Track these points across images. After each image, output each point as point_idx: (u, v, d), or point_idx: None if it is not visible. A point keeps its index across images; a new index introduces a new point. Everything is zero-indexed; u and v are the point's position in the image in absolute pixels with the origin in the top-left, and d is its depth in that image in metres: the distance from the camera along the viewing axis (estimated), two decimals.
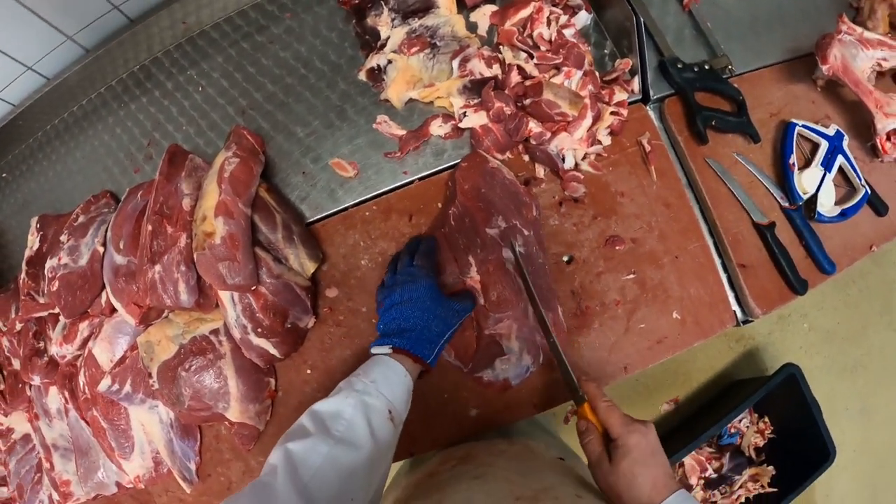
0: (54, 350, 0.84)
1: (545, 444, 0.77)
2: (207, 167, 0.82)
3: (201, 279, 0.75)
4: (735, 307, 0.82)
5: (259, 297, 0.73)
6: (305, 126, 0.87)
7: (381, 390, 0.58)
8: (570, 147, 0.77)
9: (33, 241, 0.90)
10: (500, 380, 0.74)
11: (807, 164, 0.86)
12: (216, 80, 0.92)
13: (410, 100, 0.83)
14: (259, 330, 0.74)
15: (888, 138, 0.86)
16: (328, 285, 0.81)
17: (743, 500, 1.54)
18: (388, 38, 0.83)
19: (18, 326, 0.88)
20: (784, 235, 0.83)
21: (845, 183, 0.87)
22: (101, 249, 0.82)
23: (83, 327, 0.82)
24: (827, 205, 0.84)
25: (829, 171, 0.84)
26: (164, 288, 0.73)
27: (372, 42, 0.86)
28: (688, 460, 1.56)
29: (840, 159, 0.86)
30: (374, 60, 0.83)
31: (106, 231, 0.83)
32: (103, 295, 0.82)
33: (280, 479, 0.48)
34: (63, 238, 0.84)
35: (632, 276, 0.80)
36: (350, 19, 0.89)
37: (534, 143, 0.78)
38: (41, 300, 0.85)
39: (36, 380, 0.86)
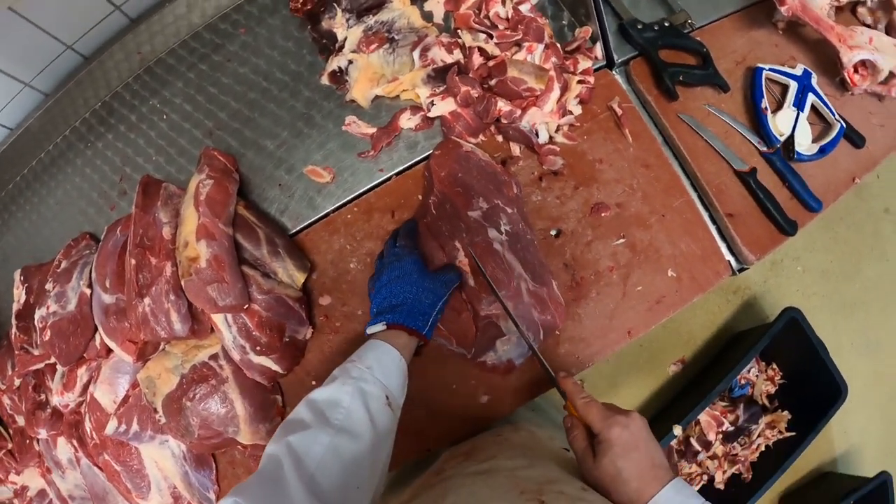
0: (56, 400, 0.83)
1: (549, 434, 0.76)
2: (182, 193, 0.81)
3: (193, 306, 0.74)
4: (728, 257, 0.82)
5: (253, 315, 0.73)
6: (274, 138, 0.86)
7: (376, 376, 0.57)
8: (542, 121, 0.77)
9: (19, 295, 0.89)
10: (504, 361, 0.74)
11: (779, 106, 0.86)
12: (179, 106, 0.91)
13: (376, 97, 0.83)
14: (258, 348, 0.74)
15: (855, 70, 0.87)
16: (320, 294, 0.80)
17: (763, 448, 1.55)
18: (346, 38, 0.82)
19: (17, 382, 0.87)
20: (767, 179, 0.82)
21: (819, 120, 0.88)
22: (87, 291, 0.81)
23: (82, 373, 0.81)
24: (804, 144, 0.84)
25: (802, 111, 0.85)
26: (156, 320, 0.72)
27: (330, 45, 0.85)
28: (703, 417, 1.57)
29: (811, 97, 0.86)
30: (335, 63, 0.82)
31: (90, 272, 0.82)
32: (97, 337, 0.81)
33: (286, 471, 0.47)
34: (48, 286, 0.82)
35: (622, 240, 0.80)
36: (305, 26, 0.89)
37: (505, 122, 0.77)
38: (36, 352, 0.83)
39: (42, 433, 0.84)
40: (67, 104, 0.92)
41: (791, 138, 0.83)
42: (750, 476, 1.52)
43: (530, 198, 0.81)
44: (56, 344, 0.79)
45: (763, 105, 0.84)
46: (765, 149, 0.84)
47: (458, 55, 0.77)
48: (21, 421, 0.89)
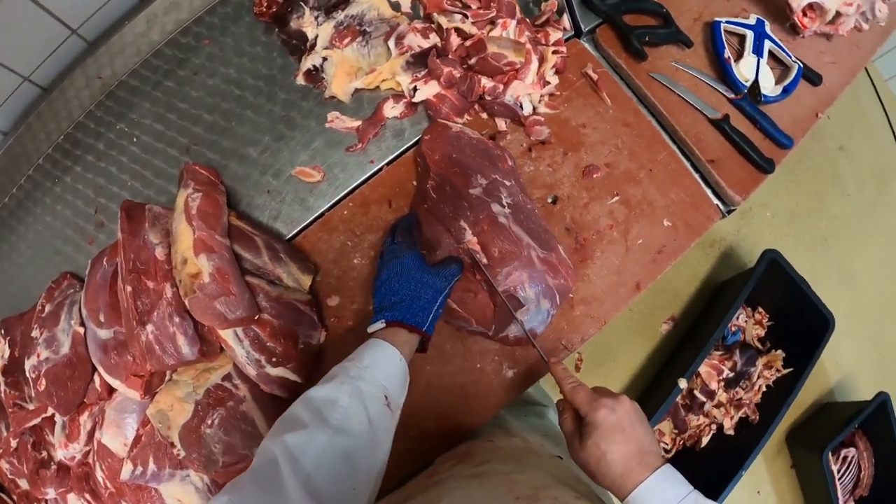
0: (60, 454, 0.78)
1: (540, 441, 0.77)
2: (169, 213, 0.78)
3: (199, 326, 0.71)
4: (716, 201, 0.86)
5: (264, 325, 0.70)
6: (256, 145, 0.84)
7: (375, 375, 0.56)
8: (525, 93, 0.78)
9: (3, 349, 0.83)
10: (527, 331, 0.74)
11: (740, 55, 0.90)
12: (149, 127, 0.87)
13: (356, 90, 0.82)
14: (274, 359, 0.71)
15: (804, 14, 0.92)
16: (328, 295, 0.78)
17: (764, 388, 1.60)
18: (317, 36, 0.81)
19: (14, 443, 0.81)
20: (739, 124, 0.86)
21: (778, 64, 0.92)
22: (80, 330, 0.76)
23: (84, 420, 0.76)
24: (769, 86, 0.89)
25: (762, 56, 0.89)
26: (162, 347, 0.68)
27: (301, 45, 0.83)
28: (703, 369, 1.60)
29: (768, 44, 0.90)
30: (309, 62, 0.81)
31: (79, 310, 0.77)
32: (96, 378, 0.76)
33: (282, 470, 0.46)
34: (35, 333, 0.77)
35: (616, 198, 0.82)
36: (271, 30, 0.87)
37: (489, 98, 0.78)
38: (31, 406, 0.78)
39: (51, 493, 0.79)
40: (29, 141, 0.87)
41: (756, 83, 0.88)
42: (757, 417, 1.57)
43: (523, 169, 0.81)
44: (53, 392, 0.74)
45: (726, 55, 0.88)
46: (732, 95, 0.88)
47: (434, 39, 0.77)
48: (24, 484, 0.82)
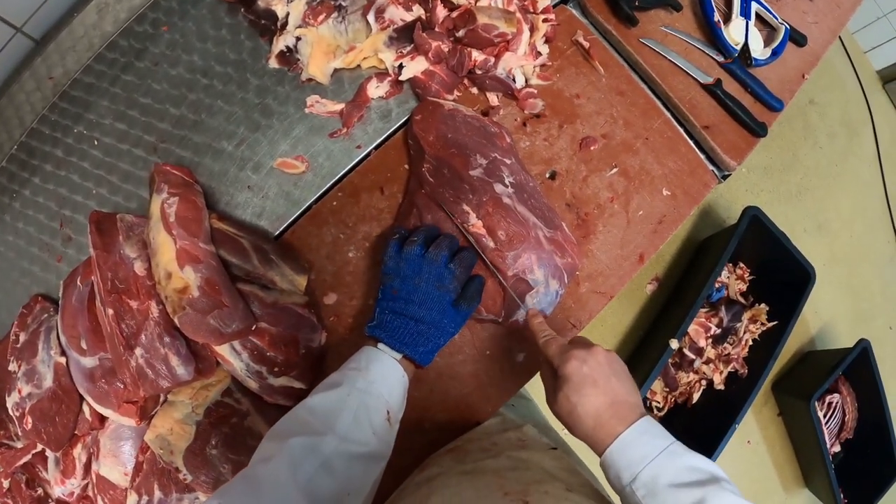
0: (58, 491, 0.72)
1: (537, 433, 0.76)
2: (143, 221, 0.71)
3: (191, 342, 0.66)
4: (711, 167, 0.85)
5: (262, 334, 0.66)
6: (231, 138, 0.77)
7: (380, 390, 0.56)
8: (518, 65, 0.73)
9: None
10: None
11: (727, 17, 0.88)
12: (111, 127, 0.79)
13: (335, 71, 0.76)
14: (276, 369, 0.67)
15: None
16: (324, 293, 0.74)
17: (751, 342, 1.65)
18: (288, 14, 0.74)
19: (6, 483, 0.75)
20: (731, 88, 0.85)
21: (765, 26, 0.91)
22: (62, 360, 0.69)
23: (78, 453, 0.71)
24: (758, 49, 0.88)
25: (749, 19, 0.88)
26: (154, 371, 0.63)
27: (271, 25, 0.77)
28: (691, 327, 1.64)
29: (754, 5, 0.89)
30: (281, 43, 0.74)
31: (57, 337, 0.71)
32: (85, 408, 0.70)
33: (282, 474, 0.46)
34: (12, 367, 0.71)
35: (615, 170, 0.80)
36: (236, 10, 0.79)
37: (480, 72, 0.73)
38: (19, 444, 0.72)
39: None
40: None
41: (746, 46, 0.87)
42: (745, 371, 1.62)
43: (519, 144, 0.78)
44: (41, 429, 0.69)
45: (715, 18, 0.86)
46: (723, 59, 0.87)
47: (418, 11, 0.71)
48: None
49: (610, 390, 0.52)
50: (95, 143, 0.79)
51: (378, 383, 0.56)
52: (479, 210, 0.68)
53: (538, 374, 0.76)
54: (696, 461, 0.48)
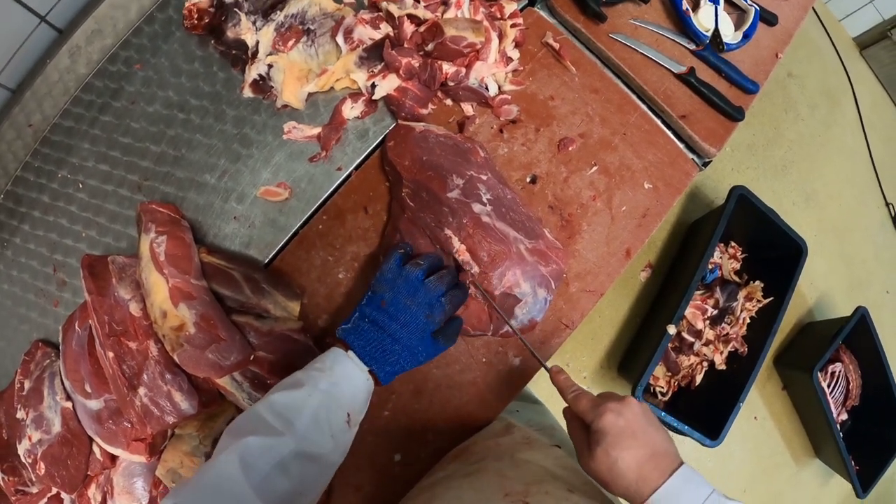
0: None
1: (541, 435, 0.76)
2: (134, 260, 0.72)
3: (192, 377, 0.67)
4: (691, 155, 0.86)
5: (261, 363, 0.67)
6: (213, 171, 0.78)
7: (343, 391, 0.56)
8: (489, 73, 0.74)
9: None
10: (527, 322, 0.73)
11: (696, 4, 0.88)
12: (94, 169, 0.80)
13: (309, 95, 0.76)
14: None
15: None
16: (317, 316, 0.75)
17: (748, 319, 1.66)
18: (258, 42, 0.75)
19: None
20: (704, 75, 0.86)
21: (734, 9, 0.91)
22: (68, 405, 0.71)
23: (93, 493, 0.72)
24: (729, 33, 0.88)
25: (718, 4, 0.88)
26: (159, 408, 0.64)
27: (241, 55, 0.77)
28: (687, 311, 1.65)
29: None
30: (254, 71, 0.75)
31: (62, 383, 0.72)
32: (95, 448, 0.72)
33: (236, 473, 0.46)
34: (20, 415, 0.72)
35: (594, 168, 0.81)
36: (206, 42, 0.80)
37: (452, 84, 0.74)
38: (34, 490, 0.73)
39: None
40: None
41: (717, 31, 0.87)
42: (745, 349, 1.63)
43: (497, 152, 0.79)
44: (55, 474, 0.70)
45: (684, 7, 0.87)
46: (694, 47, 0.87)
47: (385, 29, 0.72)
48: None
49: (649, 441, 0.51)
50: (80, 185, 0.80)
51: (341, 385, 0.56)
52: (460, 233, 0.68)
53: (535, 375, 0.78)
54: None
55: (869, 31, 2.10)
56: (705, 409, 1.52)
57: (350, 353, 0.59)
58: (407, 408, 0.73)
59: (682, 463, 0.51)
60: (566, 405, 0.60)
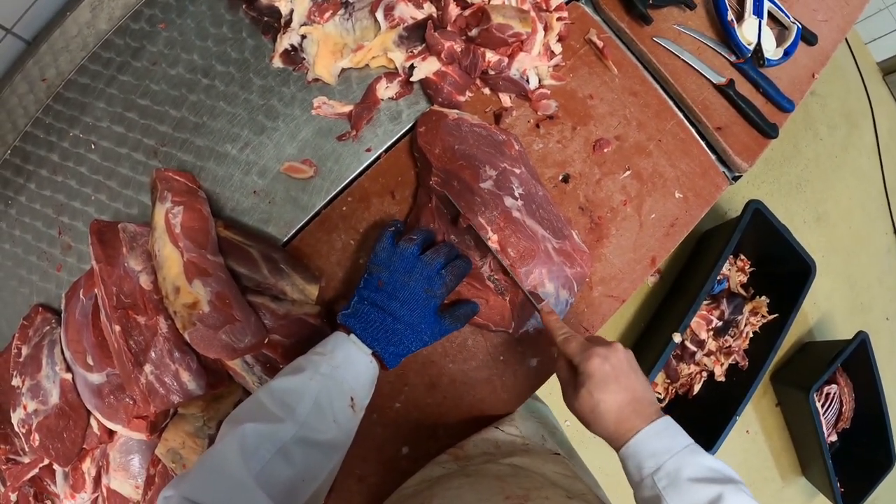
0: None
1: (541, 434, 0.76)
2: (146, 230, 0.69)
3: (202, 357, 0.64)
4: (722, 168, 0.84)
5: (275, 347, 0.64)
6: (235, 141, 0.75)
7: (345, 375, 0.55)
8: (532, 66, 0.71)
9: None
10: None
11: (740, 16, 0.86)
12: (108, 130, 0.76)
13: (343, 70, 0.73)
14: None
15: None
16: (335, 300, 0.73)
17: (751, 334, 1.66)
18: (292, 11, 0.71)
19: (14, 497, 0.74)
20: (743, 89, 0.84)
21: (777, 25, 0.89)
22: (68, 377, 0.67)
23: (87, 467, 0.69)
24: (771, 49, 0.86)
25: (762, 18, 0.86)
26: (165, 387, 0.61)
27: (274, 22, 0.73)
28: (692, 320, 1.65)
29: (767, 4, 0.87)
30: (286, 41, 0.71)
31: (61, 352, 0.69)
32: (93, 422, 0.69)
33: (235, 460, 0.45)
34: (16, 382, 0.69)
35: (628, 172, 0.79)
36: (237, 6, 0.76)
37: (493, 73, 0.71)
38: (25, 459, 0.70)
39: None
40: None
41: (759, 46, 0.85)
42: (746, 363, 1.63)
43: (531, 147, 0.76)
44: (49, 446, 0.67)
45: (729, 17, 0.84)
46: (735, 59, 0.85)
47: (429, 9, 0.69)
48: None
49: (631, 387, 0.54)
50: (93, 146, 0.77)
51: (343, 369, 0.55)
52: (492, 224, 0.66)
53: (548, 379, 0.76)
54: (715, 462, 0.50)
55: (893, 57, 2.09)
56: (700, 419, 1.52)
57: (352, 336, 0.58)
58: (419, 401, 0.71)
59: (661, 412, 0.53)
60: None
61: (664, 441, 0.51)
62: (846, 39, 2.01)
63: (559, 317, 0.63)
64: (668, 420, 0.53)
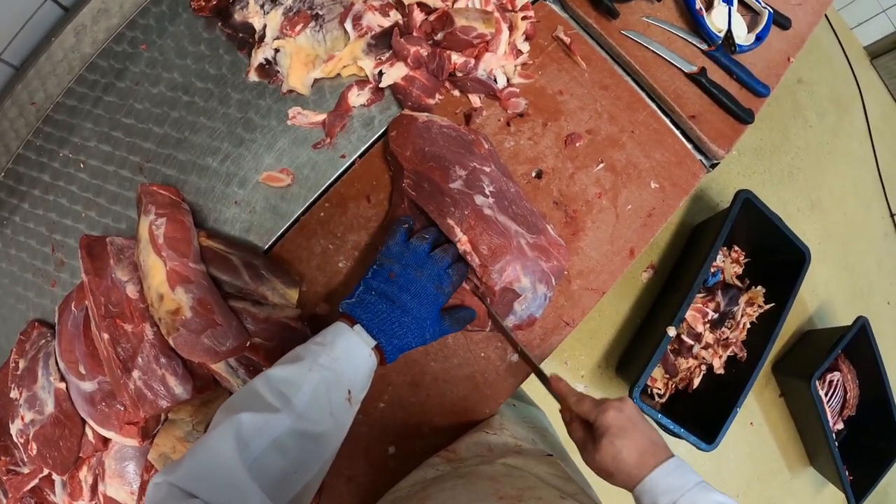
0: None
1: (532, 437, 0.77)
2: (133, 242, 0.72)
3: (188, 361, 0.66)
4: (699, 156, 0.85)
5: (257, 350, 0.66)
6: (215, 154, 0.77)
7: (343, 367, 0.54)
8: (498, 65, 0.73)
9: None
10: (526, 318, 0.73)
11: (710, 5, 0.87)
12: (96, 149, 0.79)
13: (315, 81, 0.76)
14: None
15: None
16: (316, 304, 0.74)
17: (749, 325, 1.65)
18: (265, 26, 0.74)
19: None
20: (715, 76, 0.85)
21: (748, 10, 0.90)
22: (62, 386, 0.70)
23: (84, 475, 0.71)
24: (742, 35, 0.87)
25: (731, 4, 0.87)
26: (153, 392, 0.63)
27: (248, 38, 0.76)
28: (688, 313, 1.64)
29: None
30: (260, 55, 0.74)
31: (56, 363, 0.71)
32: (88, 430, 0.71)
33: (228, 451, 0.44)
34: (13, 394, 0.71)
35: (601, 165, 0.80)
36: (213, 24, 0.79)
37: (460, 74, 0.73)
38: (25, 470, 0.72)
39: None
40: None
41: (729, 32, 0.86)
42: (744, 354, 1.62)
43: (503, 145, 0.78)
44: (47, 454, 0.69)
45: (698, 6, 0.86)
46: (706, 47, 0.86)
47: (395, 16, 0.71)
48: None
49: (646, 431, 0.58)
50: (82, 165, 0.80)
51: (342, 360, 0.54)
52: (462, 224, 0.67)
53: (534, 373, 0.77)
54: (724, 498, 0.53)
55: (880, 41, 2.09)
56: (702, 413, 1.52)
57: (357, 326, 0.58)
58: (403, 400, 0.72)
59: (672, 454, 0.57)
60: (561, 409, 0.65)
61: (678, 479, 0.54)
62: (831, 26, 2.02)
63: (566, 382, 0.66)
64: (678, 459, 0.56)
